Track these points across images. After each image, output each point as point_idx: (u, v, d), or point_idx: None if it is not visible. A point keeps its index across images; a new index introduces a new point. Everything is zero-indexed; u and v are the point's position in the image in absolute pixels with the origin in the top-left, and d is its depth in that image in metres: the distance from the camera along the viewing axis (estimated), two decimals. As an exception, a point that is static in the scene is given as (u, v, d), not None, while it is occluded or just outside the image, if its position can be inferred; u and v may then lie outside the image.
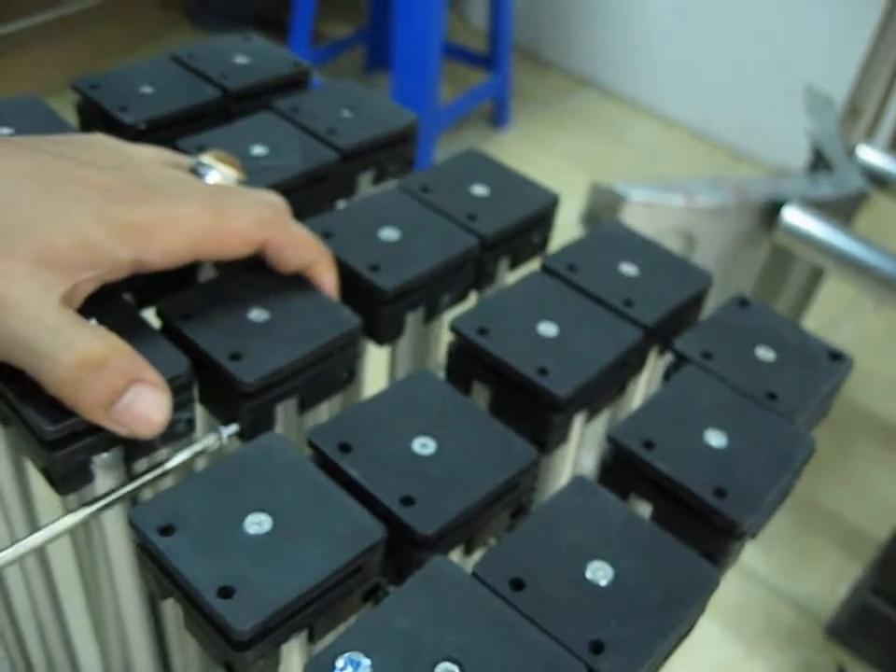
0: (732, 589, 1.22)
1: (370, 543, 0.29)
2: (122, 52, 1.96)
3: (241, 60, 0.53)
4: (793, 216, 1.08)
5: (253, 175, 0.44)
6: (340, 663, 0.25)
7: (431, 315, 0.43)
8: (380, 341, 0.41)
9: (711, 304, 0.44)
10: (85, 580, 0.43)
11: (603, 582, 0.29)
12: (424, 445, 0.33)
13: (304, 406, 0.38)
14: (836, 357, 0.40)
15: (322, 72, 1.96)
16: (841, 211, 1.14)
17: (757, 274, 1.21)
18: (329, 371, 0.38)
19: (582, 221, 1.11)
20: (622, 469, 0.35)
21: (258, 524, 0.29)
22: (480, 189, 0.46)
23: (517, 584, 0.29)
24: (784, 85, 1.80)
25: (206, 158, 0.40)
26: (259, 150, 0.46)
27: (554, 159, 1.91)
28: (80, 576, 0.43)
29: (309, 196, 0.47)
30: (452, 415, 0.34)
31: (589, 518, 0.31)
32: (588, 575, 0.29)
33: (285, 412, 0.37)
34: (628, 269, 0.43)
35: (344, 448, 0.32)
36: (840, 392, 0.41)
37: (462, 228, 0.44)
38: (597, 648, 0.27)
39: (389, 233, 0.43)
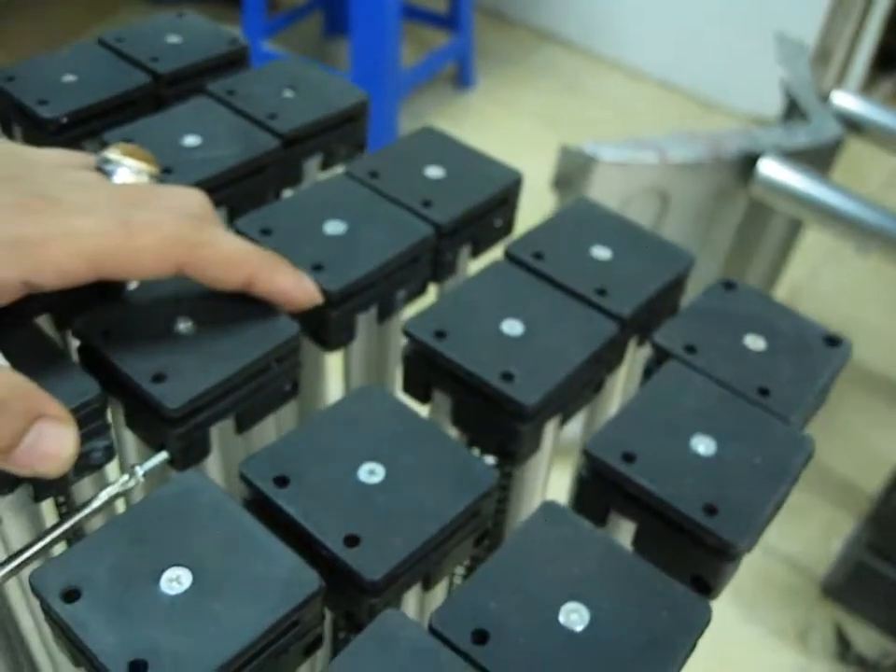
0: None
1: (304, 597, 0.25)
2: (74, 34, 1.88)
3: (173, 40, 0.48)
4: (769, 167, 1.04)
5: (185, 168, 0.40)
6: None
7: (385, 314, 0.39)
8: (329, 346, 0.37)
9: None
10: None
11: (578, 628, 0.26)
12: (371, 472, 0.29)
13: (242, 426, 0.34)
14: (834, 342, 0.36)
15: (279, 40, 1.89)
16: (818, 160, 1.10)
17: (735, 230, 1.17)
18: (267, 387, 0.34)
19: (554, 186, 1.07)
20: (600, 484, 0.31)
21: (175, 580, 0.25)
22: (435, 171, 0.42)
23: (480, 637, 0.25)
24: (753, 31, 1.75)
25: (112, 153, 0.35)
26: (191, 140, 0.42)
27: (522, 118, 1.86)
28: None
29: (249, 188, 0.42)
30: (402, 436, 0.30)
31: (560, 551, 0.27)
32: (561, 619, 0.26)
33: (220, 434, 0.33)
34: (601, 253, 0.39)
35: (281, 481, 0.28)
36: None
37: (416, 216, 0.39)
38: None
39: (335, 227, 0.38)
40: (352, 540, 0.27)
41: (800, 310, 0.37)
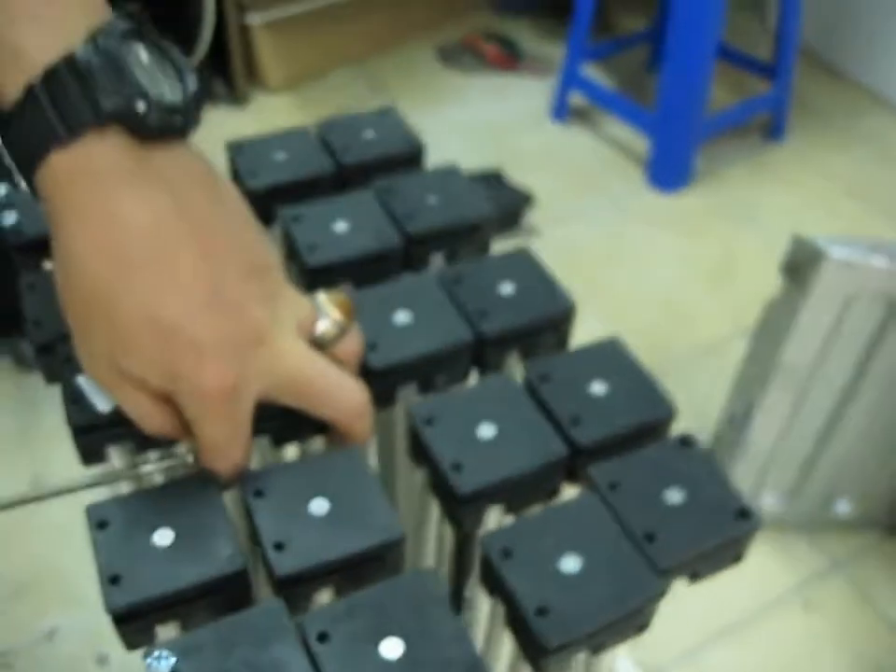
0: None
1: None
2: (421, 29, 2.12)
3: (368, 135, 0.63)
4: None
5: (326, 247, 0.55)
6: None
7: (426, 390, 0.51)
8: (378, 404, 0.50)
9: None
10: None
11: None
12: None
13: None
14: (744, 514, 0.43)
15: (602, 66, 1.99)
16: None
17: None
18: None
19: (783, 272, 1.09)
20: (486, 572, 0.42)
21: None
22: (506, 288, 0.53)
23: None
24: None
25: (324, 299, 0.45)
26: (341, 226, 0.56)
27: (826, 184, 1.79)
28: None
29: (375, 271, 0.56)
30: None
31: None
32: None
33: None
34: (598, 387, 0.48)
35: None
36: None
37: (465, 321, 0.51)
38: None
39: (403, 316, 0.51)
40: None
41: None
